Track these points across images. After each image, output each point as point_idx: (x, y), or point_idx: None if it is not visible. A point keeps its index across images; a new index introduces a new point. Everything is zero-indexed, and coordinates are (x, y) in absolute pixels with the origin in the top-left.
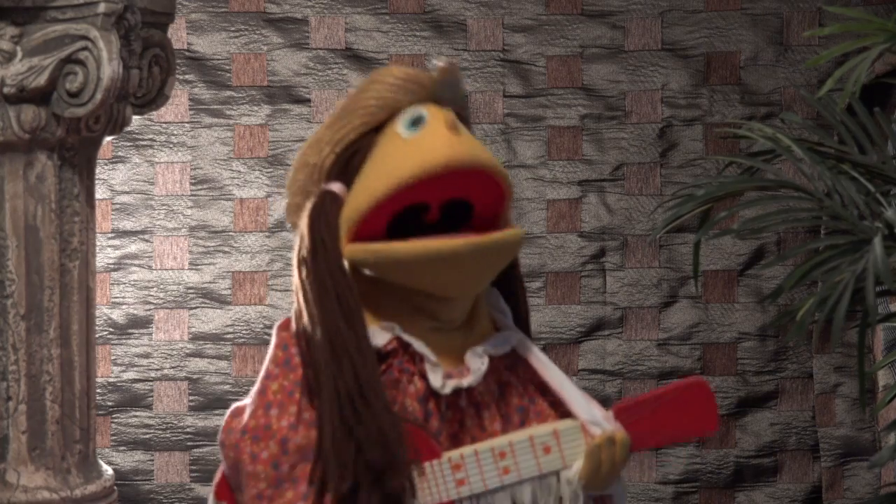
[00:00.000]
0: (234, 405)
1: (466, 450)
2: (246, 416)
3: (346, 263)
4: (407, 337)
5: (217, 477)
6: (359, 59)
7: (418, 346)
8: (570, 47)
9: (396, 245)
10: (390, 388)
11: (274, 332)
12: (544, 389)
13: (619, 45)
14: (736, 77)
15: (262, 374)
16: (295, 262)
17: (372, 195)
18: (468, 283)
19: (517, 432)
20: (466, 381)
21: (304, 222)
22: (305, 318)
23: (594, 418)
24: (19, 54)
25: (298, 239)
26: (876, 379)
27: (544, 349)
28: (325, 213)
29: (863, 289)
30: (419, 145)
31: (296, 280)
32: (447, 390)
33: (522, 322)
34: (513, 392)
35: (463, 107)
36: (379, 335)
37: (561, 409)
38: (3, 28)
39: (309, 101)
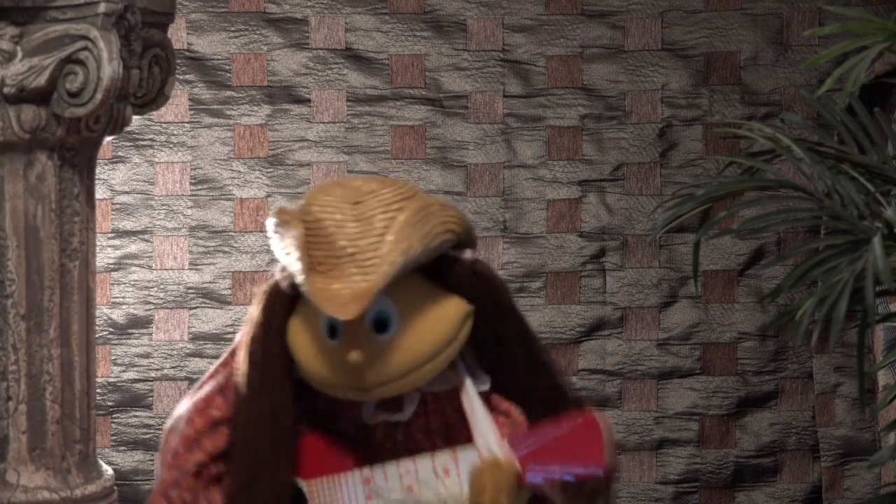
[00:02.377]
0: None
1: (376, 467)
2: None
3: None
4: None
5: None
6: (359, 59)
7: None
8: (570, 47)
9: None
10: (328, 412)
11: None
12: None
13: (619, 45)
14: (736, 77)
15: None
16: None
17: (309, 373)
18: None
19: (424, 454)
20: (395, 417)
21: (257, 307)
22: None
23: (488, 444)
24: (19, 54)
25: (253, 317)
26: (876, 379)
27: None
28: (276, 320)
29: (862, 288)
30: (332, 364)
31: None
32: (373, 421)
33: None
34: (458, 434)
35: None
36: None
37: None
38: (3, 28)
39: (309, 101)
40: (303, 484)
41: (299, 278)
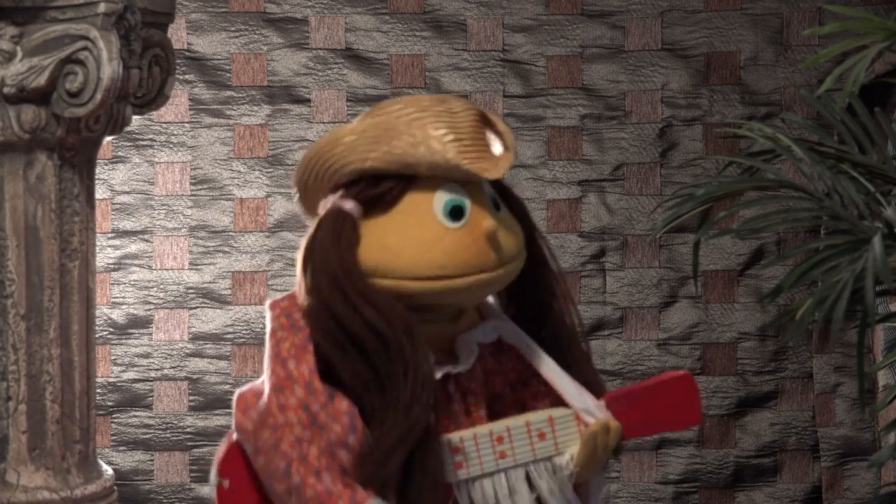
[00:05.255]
0: (239, 392)
1: (465, 433)
2: (263, 382)
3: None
4: None
5: (222, 451)
6: (359, 59)
7: None
8: (570, 47)
9: (417, 285)
10: None
11: (267, 308)
12: (526, 378)
13: (619, 45)
14: (736, 77)
15: (268, 344)
16: (304, 276)
17: (410, 270)
18: (470, 302)
19: (514, 418)
20: (456, 369)
21: (319, 236)
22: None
23: (587, 407)
24: (19, 54)
25: (308, 253)
26: (876, 379)
27: None
28: (346, 238)
29: (862, 288)
30: (459, 245)
31: (312, 293)
32: (436, 376)
33: (543, 318)
34: (496, 380)
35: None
36: None
37: (545, 399)
38: (3, 28)
39: (309, 101)
40: None
41: (440, 145)
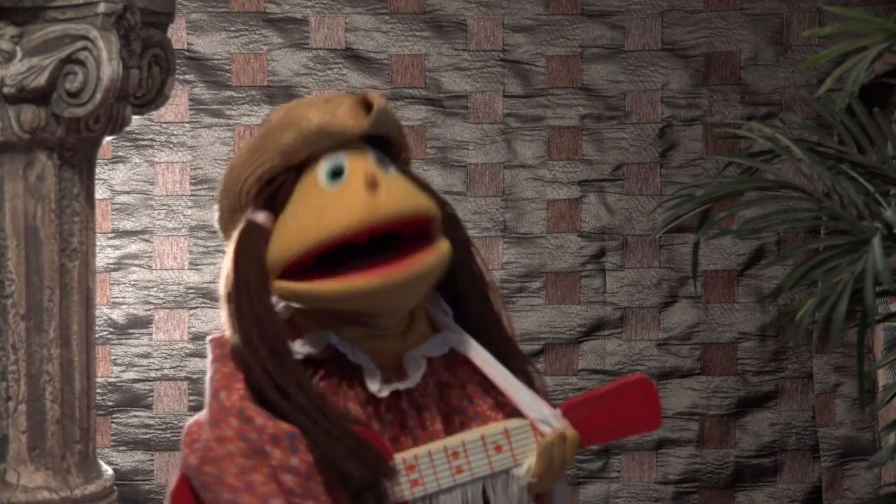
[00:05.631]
0: (187, 424)
1: (420, 450)
2: (202, 415)
3: (272, 299)
4: (341, 346)
5: (172, 484)
6: (359, 59)
7: (353, 353)
8: (570, 47)
9: (321, 285)
10: (331, 394)
11: (209, 345)
12: (484, 389)
13: (619, 45)
14: (736, 77)
15: (206, 379)
16: (223, 293)
17: (300, 243)
18: (397, 305)
19: (469, 432)
20: (404, 385)
21: (229, 255)
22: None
23: (543, 417)
24: (19, 54)
25: (224, 270)
26: (876, 379)
27: (544, 349)
28: (250, 248)
29: (862, 289)
30: (338, 202)
31: (225, 313)
32: (384, 394)
33: (482, 318)
34: (452, 392)
35: (397, 135)
36: (314, 342)
37: (503, 410)
38: (3, 28)
39: None
40: None
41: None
